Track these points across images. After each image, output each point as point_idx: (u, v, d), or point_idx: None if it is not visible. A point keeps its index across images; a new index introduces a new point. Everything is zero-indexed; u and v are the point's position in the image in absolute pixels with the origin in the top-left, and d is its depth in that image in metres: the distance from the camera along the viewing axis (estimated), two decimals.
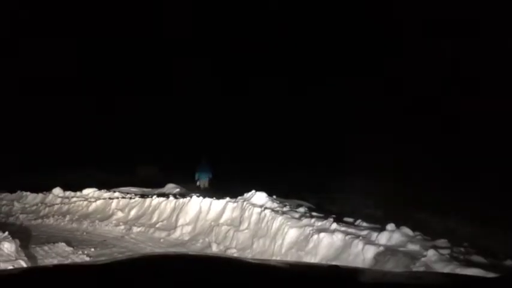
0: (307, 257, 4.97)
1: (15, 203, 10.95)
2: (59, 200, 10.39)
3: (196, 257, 2.26)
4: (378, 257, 4.26)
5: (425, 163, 12.70)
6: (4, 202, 11.37)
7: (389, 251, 4.27)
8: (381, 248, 4.36)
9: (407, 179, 11.47)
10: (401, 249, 4.27)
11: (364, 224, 5.36)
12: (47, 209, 10.08)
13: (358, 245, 4.55)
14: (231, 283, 1.39)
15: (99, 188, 10.66)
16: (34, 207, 10.48)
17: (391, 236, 4.53)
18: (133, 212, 8.57)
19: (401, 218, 5.56)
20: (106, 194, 10.12)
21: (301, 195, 9.85)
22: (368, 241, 4.59)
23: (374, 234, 4.67)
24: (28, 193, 11.37)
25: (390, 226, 4.75)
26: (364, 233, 4.84)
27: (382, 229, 4.77)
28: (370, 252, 4.39)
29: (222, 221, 6.91)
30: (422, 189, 10.29)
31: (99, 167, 18.06)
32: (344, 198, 10.88)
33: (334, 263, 4.58)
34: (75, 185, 11.18)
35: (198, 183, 13.12)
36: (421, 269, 3.58)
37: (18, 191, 11.66)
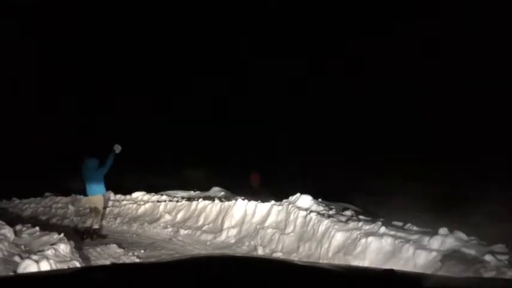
0: (355, 262, 4.85)
1: (70, 206, 11.47)
2: (110, 203, 10.77)
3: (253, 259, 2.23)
4: (430, 262, 4.10)
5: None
6: (60, 205, 11.93)
7: (443, 256, 4.08)
8: (434, 253, 4.18)
9: (458, 182, 11.01)
10: (455, 254, 4.07)
11: (415, 228, 5.15)
12: None
13: (409, 249, 4.39)
14: (285, 285, 1.36)
15: (148, 191, 10.95)
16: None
17: (444, 240, 4.33)
18: (180, 215, 8.74)
19: (455, 222, 5.31)
20: (154, 197, 10.37)
21: (347, 198, 9.66)
22: (419, 245, 4.41)
23: (425, 239, 4.48)
24: (82, 196, 11.83)
25: (443, 230, 4.53)
26: (415, 237, 4.65)
27: (434, 233, 4.57)
28: (422, 257, 4.23)
29: (267, 224, 6.90)
30: (477, 191, 9.82)
31: (147, 170, 18.57)
32: (392, 201, 10.56)
33: (384, 268, 4.44)
34: (125, 188, 11.53)
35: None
36: (484, 275, 3.39)
37: (73, 194, 12.19)
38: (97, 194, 8.02)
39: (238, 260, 1.89)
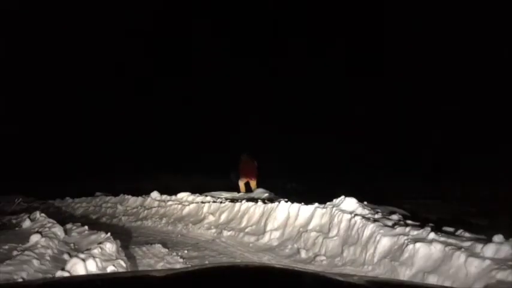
0: (402, 268, 4.66)
1: (118, 206, 11.85)
2: (156, 203, 11.01)
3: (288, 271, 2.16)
4: (483, 271, 3.85)
5: None
6: (109, 205, 12.36)
7: (497, 264, 3.83)
8: (487, 262, 3.92)
9: None
10: (511, 263, 3.81)
11: (467, 235, 4.88)
12: (145, 211, 10.74)
13: (460, 257, 4.15)
14: None
15: (193, 192, 11.10)
16: (134, 210, 11.23)
17: (498, 248, 4.06)
18: (223, 216, 8.78)
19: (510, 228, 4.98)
20: (198, 198, 10.50)
21: (394, 201, 9.33)
22: (472, 253, 4.16)
23: (479, 246, 4.22)
24: (129, 196, 12.23)
25: (497, 237, 4.26)
26: (467, 244, 4.40)
27: (488, 240, 4.30)
28: (474, 265, 3.98)
29: (310, 227, 6.79)
30: None
31: (193, 171, 18.90)
32: (442, 206, 10.13)
33: (432, 275, 4.24)
34: (171, 189, 11.76)
35: None
36: None
37: (121, 195, 12.59)
38: None
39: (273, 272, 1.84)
